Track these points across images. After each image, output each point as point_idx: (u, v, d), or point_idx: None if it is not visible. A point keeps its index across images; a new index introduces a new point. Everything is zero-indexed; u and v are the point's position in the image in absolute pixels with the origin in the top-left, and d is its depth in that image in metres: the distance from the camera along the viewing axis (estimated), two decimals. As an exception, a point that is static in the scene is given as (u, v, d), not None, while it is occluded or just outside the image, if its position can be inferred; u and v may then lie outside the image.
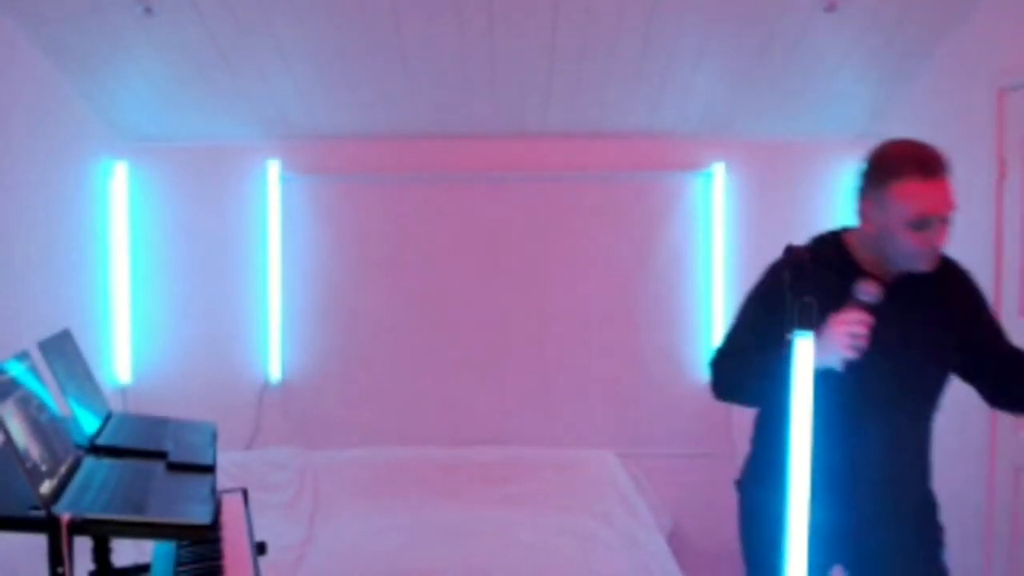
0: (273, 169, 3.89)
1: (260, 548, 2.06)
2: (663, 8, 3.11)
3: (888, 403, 1.98)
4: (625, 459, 3.82)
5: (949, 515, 2.11)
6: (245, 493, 2.31)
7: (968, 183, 3.11)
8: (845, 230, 2.11)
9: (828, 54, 3.38)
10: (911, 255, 1.93)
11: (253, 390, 3.93)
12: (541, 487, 3.70)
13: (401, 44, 3.31)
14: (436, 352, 3.98)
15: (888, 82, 3.56)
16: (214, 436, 2.13)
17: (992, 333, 2.06)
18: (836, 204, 3.93)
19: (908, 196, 1.87)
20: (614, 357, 3.97)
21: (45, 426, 1.62)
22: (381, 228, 3.97)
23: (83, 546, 1.64)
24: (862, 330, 1.83)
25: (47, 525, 1.43)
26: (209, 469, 1.87)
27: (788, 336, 1.73)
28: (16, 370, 1.64)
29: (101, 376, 3.42)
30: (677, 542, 3.72)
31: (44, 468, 1.51)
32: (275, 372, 3.92)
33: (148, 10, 3.02)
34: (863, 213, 2.00)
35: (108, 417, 2.11)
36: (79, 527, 1.45)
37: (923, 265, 1.94)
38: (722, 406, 3.90)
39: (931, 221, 1.88)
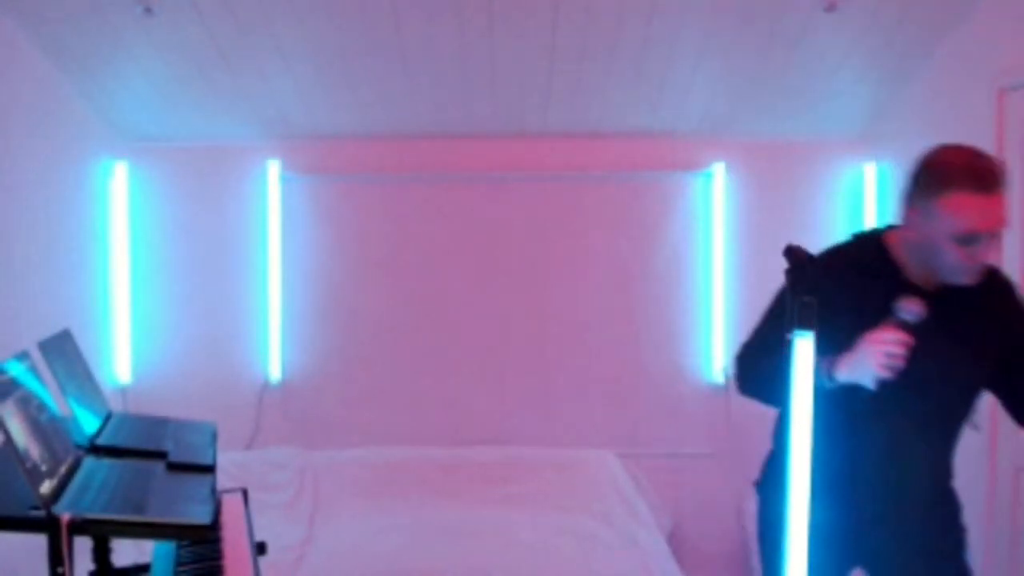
0: (273, 169, 3.89)
1: (260, 548, 2.06)
2: (663, 8, 3.11)
3: (917, 415, 1.92)
4: (625, 459, 3.82)
5: (949, 515, 2.11)
6: (245, 493, 2.31)
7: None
8: (889, 229, 2.00)
9: (828, 54, 3.38)
10: (955, 269, 1.84)
11: (253, 390, 3.93)
12: (541, 487, 3.70)
13: (401, 44, 3.31)
14: (436, 352, 3.98)
15: (888, 82, 3.56)
16: (214, 436, 2.13)
17: None
18: (836, 204, 3.93)
19: (958, 210, 1.77)
20: (614, 357, 3.97)
21: (45, 426, 1.62)
22: (381, 228, 3.97)
23: (83, 546, 1.64)
24: (900, 350, 1.74)
25: (47, 525, 1.43)
26: (209, 469, 1.87)
27: (788, 336, 1.72)
28: (16, 370, 1.64)
29: (101, 376, 3.42)
30: (677, 542, 3.72)
31: (44, 468, 1.51)
32: (275, 372, 3.92)
33: (148, 10, 3.02)
34: (908, 218, 1.89)
35: (108, 417, 2.11)
36: (79, 527, 1.45)
37: (966, 279, 1.85)
38: (722, 406, 3.93)
39: (980, 237, 1.78)
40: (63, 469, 1.59)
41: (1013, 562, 2.88)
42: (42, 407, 1.66)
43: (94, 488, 1.61)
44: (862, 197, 3.86)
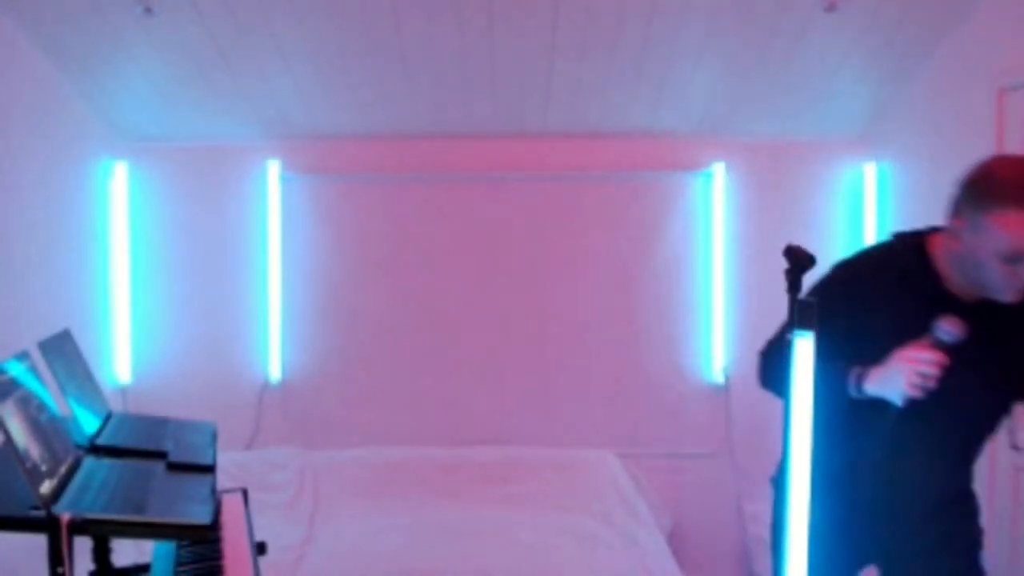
0: (273, 169, 3.89)
1: (260, 548, 2.06)
2: (663, 8, 3.11)
3: (943, 428, 1.89)
4: (625, 459, 3.82)
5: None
6: (245, 493, 2.31)
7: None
8: (932, 232, 1.92)
9: (828, 54, 3.38)
10: (998, 286, 1.78)
11: (253, 390, 3.93)
12: (541, 487, 3.70)
13: (401, 44, 3.31)
14: (436, 352, 3.98)
15: (888, 82, 3.56)
16: (214, 436, 2.13)
17: None
18: (836, 204, 3.93)
19: (1007, 228, 1.70)
20: (614, 357, 3.97)
21: (45, 426, 1.62)
22: (381, 228, 3.97)
23: (83, 546, 1.64)
24: (934, 371, 1.71)
25: (47, 525, 1.43)
26: (209, 469, 1.87)
27: (787, 336, 1.72)
28: (16, 370, 1.64)
29: (101, 376, 3.42)
30: (677, 542, 3.72)
31: (44, 468, 1.51)
32: (275, 372, 3.92)
33: (148, 10, 3.02)
34: (955, 228, 1.81)
35: (108, 417, 2.11)
36: (79, 527, 1.45)
37: (1008, 297, 1.79)
38: (722, 406, 3.93)
39: None
40: (63, 469, 1.59)
41: (1013, 562, 2.88)
42: (42, 407, 1.66)
43: (94, 488, 1.61)
44: (862, 197, 3.86)
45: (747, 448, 3.89)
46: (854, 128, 3.86)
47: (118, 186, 3.83)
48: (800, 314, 1.69)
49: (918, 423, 1.84)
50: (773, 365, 1.98)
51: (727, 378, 3.92)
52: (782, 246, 1.82)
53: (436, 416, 3.98)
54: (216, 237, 3.93)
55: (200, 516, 1.55)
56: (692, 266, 3.97)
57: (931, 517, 1.98)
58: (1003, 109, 2.95)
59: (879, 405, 1.80)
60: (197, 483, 1.76)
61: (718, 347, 3.92)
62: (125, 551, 2.19)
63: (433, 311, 3.98)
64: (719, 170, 3.91)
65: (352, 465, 3.79)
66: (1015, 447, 2.74)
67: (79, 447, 1.80)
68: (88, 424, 1.94)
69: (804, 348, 1.69)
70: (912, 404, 1.77)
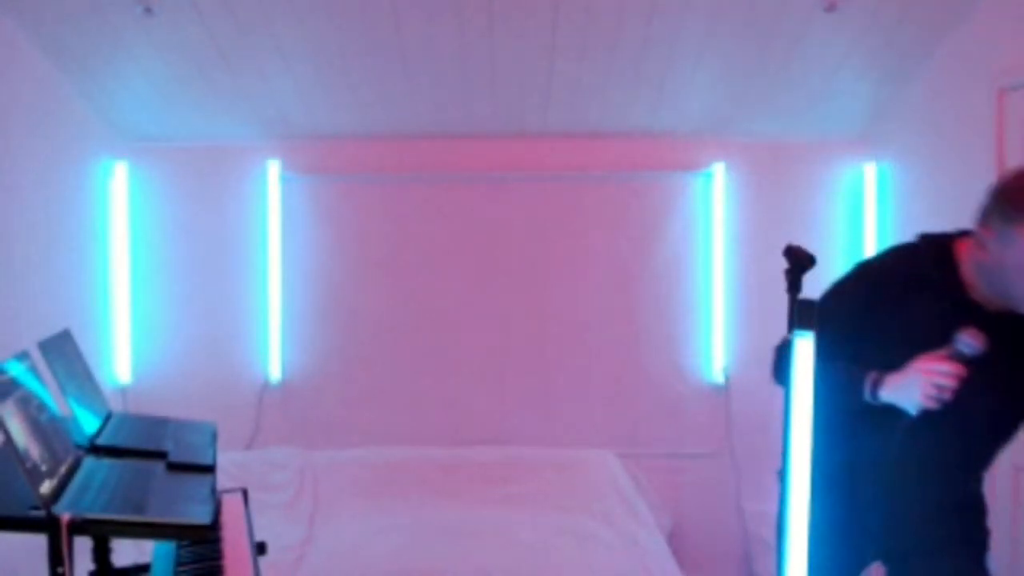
0: (273, 169, 3.89)
1: (260, 548, 2.06)
2: (663, 8, 3.11)
3: (955, 437, 1.88)
4: (625, 459, 3.82)
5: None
6: (245, 493, 2.31)
7: (968, 183, 3.12)
8: (961, 236, 1.88)
9: (828, 54, 3.38)
10: (1022, 300, 1.76)
11: (253, 390, 3.93)
12: (541, 487, 3.70)
13: (401, 44, 3.31)
14: (436, 352, 3.98)
15: (888, 82, 3.56)
16: (214, 436, 2.13)
17: None
18: (836, 204, 3.93)
19: None
20: (614, 357, 3.97)
21: (45, 426, 1.62)
22: (381, 228, 3.97)
23: (83, 546, 1.64)
24: (951, 384, 1.70)
25: (47, 525, 1.43)
26: (209, 469, 1.87)
27: (788, 336, 1.72)
28: (16, 370, 1.64)
29: (101, 376, 3.42)
30: (677, 542, 3.72)
31: (44, 468, 1.51)
32: (275, 372, 3.92)
33: (148, 10, 3.02)
34: (982, 238, 1.78)
35: (108, 417, 2.11)
36: (79, 527, 1.45)
37: None
38: (722, 406, 3.93)
39: None
40: (63, 469, 1.59)
41: (1013, 562, 2.88)
42: (42, 407, 1.66)
43: (94, 488, 1.61)
44: (862, 197, 3.86)
45: (747, 448, 3.89)
46: (854, 128, 3.86)
47: (118, 186, 3.83)
48: (800, 314, 1.69)
49: (930, 431, 1.82)
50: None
51: (727, 378, 3.92)
52: (782, 246, 1.81)
53: (436, 416, 3.98)
54: (216, 237, 3.93)
55: (200, 516, 1.55)
56: (692, 266, 3.97)
57: (936, 519, 1.97)
58: (1003, 109, 2.95)
59: (892, 410, 1.79)
60: (197, 483, 1.76)
61: (718, 347, 3.92)
62: (125, 551, 2.19)
63: (433, 311, 3.98)
64: (719, 170, 3.91)
65: (352, 465, 3.79)
66: None
67: (79, 447, 1.80)
68: (88, 424, 1.94)
69: (804, 348, 1.69)
70: (926, 412, 1.76)
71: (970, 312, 1.81)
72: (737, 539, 3.95)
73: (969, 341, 1.71)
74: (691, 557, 3.74)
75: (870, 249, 3.77)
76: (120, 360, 3.85)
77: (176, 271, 3.93)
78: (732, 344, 3.91)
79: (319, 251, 3.95)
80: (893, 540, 2.00)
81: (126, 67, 3.39)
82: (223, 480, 2.60)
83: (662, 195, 3.96)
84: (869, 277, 1.95)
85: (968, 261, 1.84)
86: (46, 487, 1.48)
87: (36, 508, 1.44)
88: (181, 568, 1.92)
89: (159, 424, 2.20)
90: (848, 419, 1.89)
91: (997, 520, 2.92)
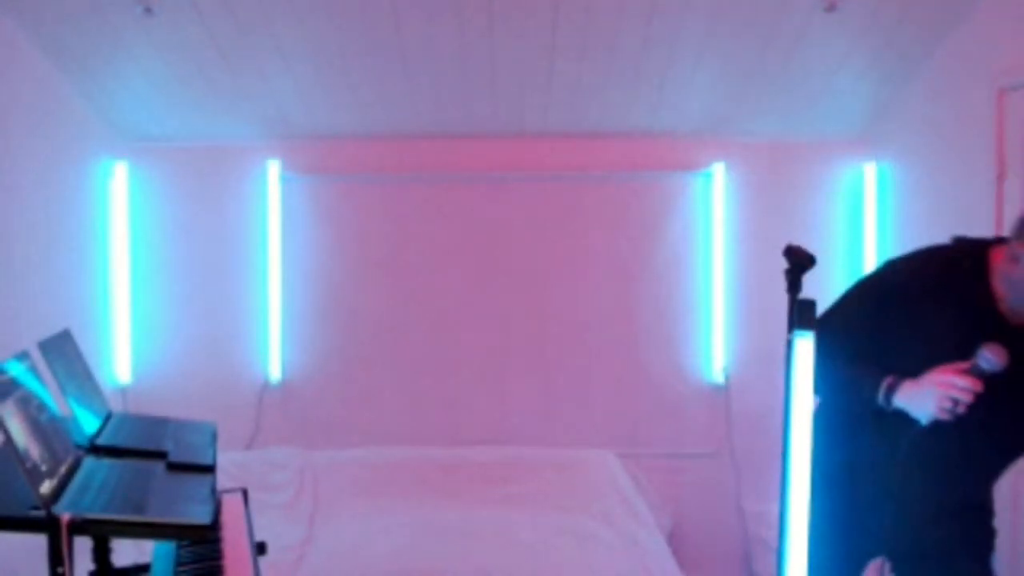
0: (273, 169, 3.89)
1: (260, 548, 2.06)
2: (663, 8, 3.11)
3: (965, 447, 1.87)
4: (625, 459, 3.82)
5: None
6: (245, 493, 2.31)
7: (968, 183, 3.13)
8: (997, 243, 1.88)
9: (828, 54, 3.38)
10: None
11: (253, 390, 3.93)
12: (541, 487, 3.70)
13: (401, 44, 3.31)
14: (436, 352, 3.98)
15: (888, 82, 3.56)
16: (214, 436, 2.13)
17: None
18: (836, 204, 3.93)
19: None
20: (614, 357, 3.97)
21: (45, 426, 1.62)
22: (381, 228, 3.97)
23: (83, 546, 1.64)
24: (967, 399, 1.69)
25: (47, 525, 1.43)
26: (209, 469, 1.87)
27: (789, 336, 1.72)
28: (16, 370, 1.64)
29: (101, 376, 3.42)
30: (677, 542, 3.72)
31: (44, 468, 1.51)
32: (275, 372, 3.92)
33: (148, 10, 3.02)
34: (1015, 254, 1.77)
35: (108, 417, 2.11)
36: (79, 527, 1.45)
37: None
38: (722, 406, 3.93)
39: None
40: (63, 469, 1.59)
41: (1013, 562, 2.88)
42: (42, 407, 1.66)
43: (94, 488, 1.61)
44: (862, 197, 3.86)
45: (747, 448, 3.89)
46: (854, 128, 3.86)
47: (118, 186, 3.83)
48: (800, 314, 1.69)
49: (939, 441, 1.81)
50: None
51: (727, 378, 3.92)
52: (782, 246, 1.81)
53: (436, 416, 3.98)
54: (216, 237, 3.93)
55: (200, 516, 1.55)
56: (692, 266, 3.97)
57: (941, 521, 1.97)
58: (1003, 109, 2.94)
59: (897, 415, 1.79)
60: (197, 483, 1.76)
61: (718, 347, 3.92)
62: (125, 551, 2.19)
63: (433, 311, 3.97)
64: (719, 170, 3.91)
65: (352, 465, 3.78)
66: None
67: (79, 447, 1.80)
68: (88, 424, 1.94)
69: (804, 348, 1.69)
70: (936, 422, 1.75)
71: (994, 323, 1.79)
72: (737, 539, 3.95)
73: (991, 357, 1.70)
74: (691, 557, 3.73)
75: (870, 249, 3.77)
76: (120, 360, 3.85)
77: (176, 271, 3.93)
78: (732, 344, 3.91)
79: (319, 251, 3.95)
80: (898, 541, 2.00)
81: (126, 67, 3.39)
82: (223, 480, 2.60)
83: (662, 195, 3.96)
84: (897, 277, 1.94)
85: (999, 272, 1.82)
86: (46, 487, 1.48)
87: (36, 508, 1.44)
88: (181, 568, 1.92)
89: (159, 424, 2.20)
90: (850, 419, 1.89)
91: (997, 521, 2.92)
